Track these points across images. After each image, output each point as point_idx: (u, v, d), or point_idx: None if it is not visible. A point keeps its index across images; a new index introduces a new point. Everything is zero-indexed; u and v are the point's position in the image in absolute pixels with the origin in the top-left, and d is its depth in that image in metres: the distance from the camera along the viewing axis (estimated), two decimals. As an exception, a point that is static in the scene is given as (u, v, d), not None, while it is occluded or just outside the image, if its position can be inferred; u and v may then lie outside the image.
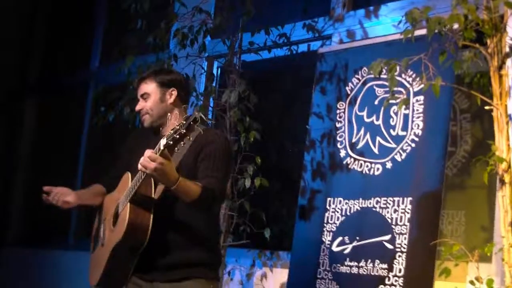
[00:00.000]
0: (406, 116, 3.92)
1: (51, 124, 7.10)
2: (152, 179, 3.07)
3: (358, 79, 4.23)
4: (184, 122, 2.79)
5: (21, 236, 7.10)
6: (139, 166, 2.90)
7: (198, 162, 3.15)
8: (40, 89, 7.31)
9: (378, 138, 4.02)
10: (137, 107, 3.31)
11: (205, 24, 4.68)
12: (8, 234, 7.15)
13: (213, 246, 3.32)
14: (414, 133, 3.86)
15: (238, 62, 4.65)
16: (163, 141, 2.83)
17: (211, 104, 4.88)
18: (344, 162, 4.15)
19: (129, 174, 3.22)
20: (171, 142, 2.80)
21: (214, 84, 5.03)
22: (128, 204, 3.05)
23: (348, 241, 3.99)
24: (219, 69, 5.22)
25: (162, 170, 2.87)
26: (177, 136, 2.79)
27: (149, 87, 3.28)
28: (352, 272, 3.91)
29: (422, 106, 3.86)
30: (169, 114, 3.15)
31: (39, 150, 7.17)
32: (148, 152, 2.88)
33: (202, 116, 2.81)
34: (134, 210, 3.04)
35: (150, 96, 3.27)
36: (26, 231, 7.02)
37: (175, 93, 3.29)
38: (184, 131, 2.78)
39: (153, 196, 3.10)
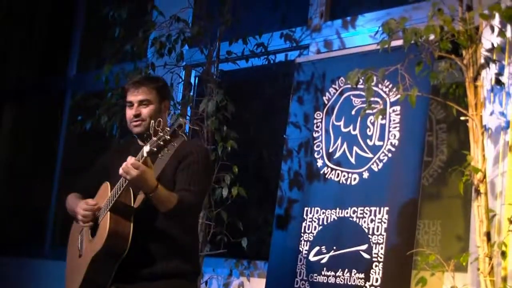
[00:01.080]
0: (382, 126, 3.93)
1: (28, 131, 7.05)
2: (131, 188, 3.06)
3: (335, 89, 4.24)
4: (168, 129, 2.79)
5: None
6: (121, 171, 2.90)
7: (177, 173, 3.14)
8: (17, 96, 7.26)
9: (355, 148, 4.04)
10: (134, 112, 3.21)
11: (183, 33, 4.68)
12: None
13: (194, 256, 3.30)
14: (391, 143, 3.87)
15: (216, 71, 4.65)
16: (146, 148, 2.84)
17: (189, 113, 4.86)
18: (321, 172, 4.16)
19: (108, 184, 3.19)
20: (155, 149, 2.81)
21: (191, 93, 5.03)
22: (108, 213, 3.03)
23: (325, 251, 3.99)
24: (197, 78, 5.21)
25: (143, 177, 2.88)
26: (161, 143, 2.79)
27: (151, 95, 3.22)
28: (329, 281, 3.91)
29: (399, 116, 3.88)
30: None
31: (15, 157, 7.12)
32: (131, 159, 2.89)
33: (187, 122, 2.82)
34: (114, 219, 3.03)
35: (151, 103, 3.22)
36: (1, 240, 6.96)
37: (168, 105, 3.32)
38: (169, 137, 2.78)
39: (132, 205, 3.09)
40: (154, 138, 2.80)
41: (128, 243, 3.02)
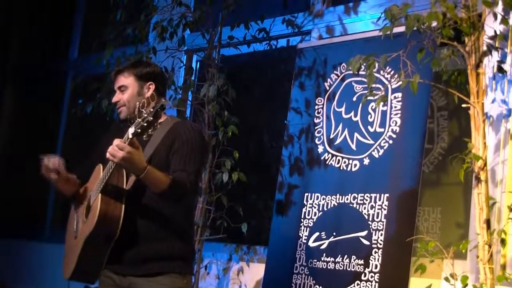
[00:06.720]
0: (384, 113, 3.93)
1: (29, 113, 7.05)
2: (124, 170, 3.06)
3: (337, 75, 4.23)
4: (151, 110, 2.80)
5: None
6: (107, 155, 2.90)
7: (170, 154, 3.13)
8: (18, 78, 7.25)
9: (356, 134, 4.04)
10: (114, 99, 3.29)
11: (184, 17, 4.66)
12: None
13: (188, 240, 3.28)
14: (392, 129, 3.87)
15: (217, 56, 4.64)
16: (131, 130, 2.84)
17: (190, 98, 4.86)
18: (322, 158, 4.16)
19: (101, 166, 3.21)
20: (139, 130, 2.81)
21: (192, 78, 5.01)
22: (99, 195, 3.03)
23: (324, 237, 4.00)
24: (198, 62, 5.21)
25: (130, 158, 2.87)
26: (145, 124, 2.79)
27: (127, 80, 3.26)
28: (329, 267, 3.92)
29: (400, 103, 3.87)
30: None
31: (16, 140, 7.12)
32: (116, 141, 2.88)
33: (169, 102, 2.82)
34: (105, 201, 3.02)
35: (128, 88, 3.25)
36: (2, 222, 6.97)
37: (152, 86, 3.28)
38: (151, 118, 2.79)
39: (124, 186, 3.08)
40: (139, 119, 2.82)
41: (120, 224, 3.01)
